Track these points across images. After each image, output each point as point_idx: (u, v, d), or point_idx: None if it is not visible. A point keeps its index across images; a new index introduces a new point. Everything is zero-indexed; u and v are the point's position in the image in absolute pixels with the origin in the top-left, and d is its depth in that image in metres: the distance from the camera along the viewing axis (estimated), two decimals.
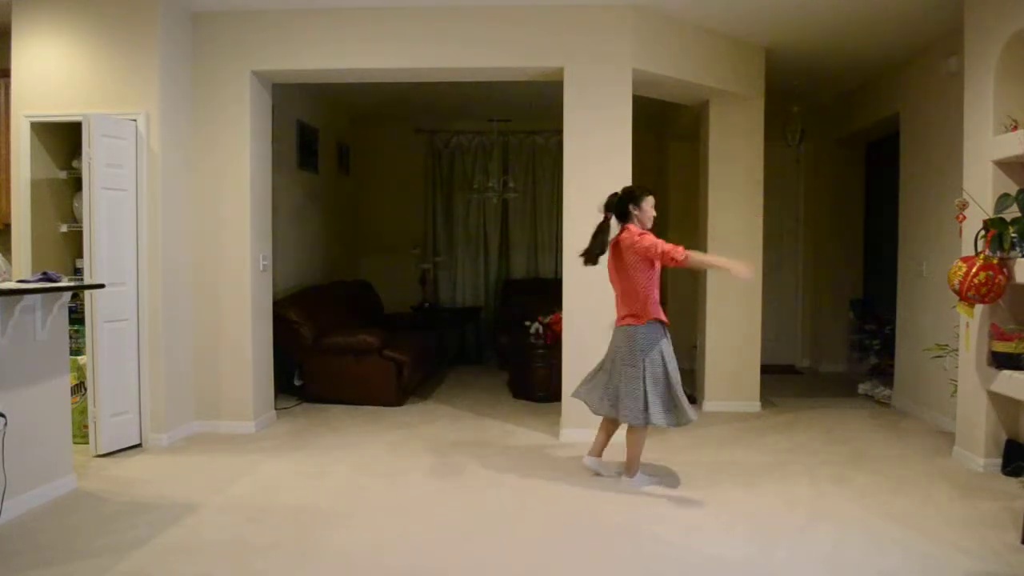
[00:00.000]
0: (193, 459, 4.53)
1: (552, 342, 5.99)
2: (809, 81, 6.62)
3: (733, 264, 3.82)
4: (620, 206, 4.03)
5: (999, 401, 4.19)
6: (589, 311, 4.87)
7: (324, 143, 7.49)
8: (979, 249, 4.00)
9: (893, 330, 6.21)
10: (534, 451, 4.76)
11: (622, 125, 4.96)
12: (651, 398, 3.87)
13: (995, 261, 3.89)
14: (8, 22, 4.75)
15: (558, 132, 5.33)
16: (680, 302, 7.48)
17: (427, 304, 8.33)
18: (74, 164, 4.98)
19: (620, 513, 3.66)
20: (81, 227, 4.52)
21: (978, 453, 4.29)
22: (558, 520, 3.58)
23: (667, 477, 4.20)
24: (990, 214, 4.03)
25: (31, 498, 3.59)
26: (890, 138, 6.41)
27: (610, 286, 4.12)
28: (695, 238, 6.25)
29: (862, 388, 6.50)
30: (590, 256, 4.04)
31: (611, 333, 4.12)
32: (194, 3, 4.92)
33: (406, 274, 8.62)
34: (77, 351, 4.63)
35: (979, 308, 4.16)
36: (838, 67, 6.20)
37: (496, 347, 7.75)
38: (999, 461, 4.22)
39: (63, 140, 4.99)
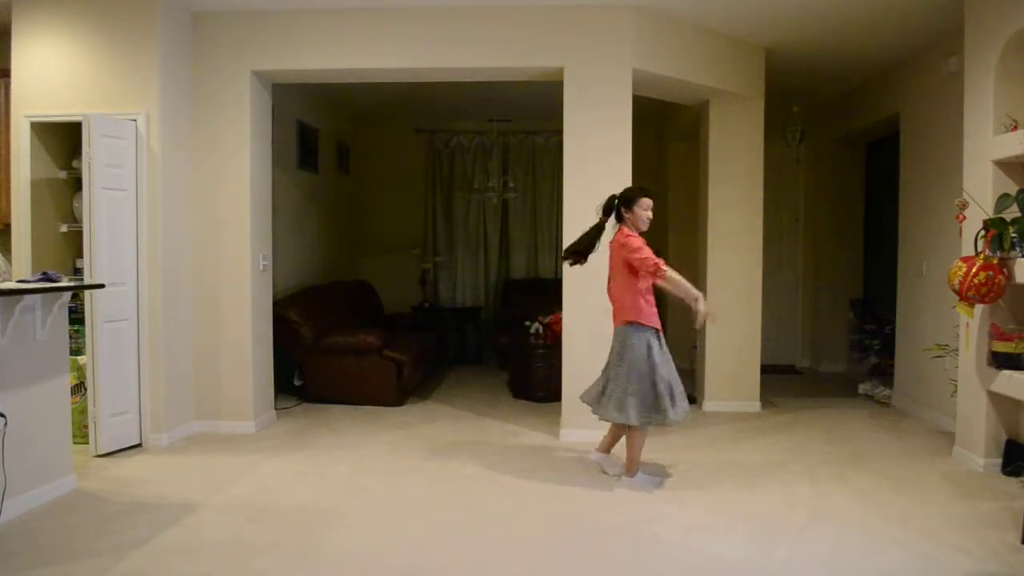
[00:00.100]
0: (193, 459, 4.53)
1: (552, 342, 5.98)
2: (809, 81, 6.62)
3: (699, 301, 3.88)
4: (615, 208, 4.05)
5: (999, 401, 4.19)
6: (589, 311, 4.86)
7: (324, 143, 7.50)
8: (979, 249, 4.00)
9: (893, 330, 6.21)
10: (534, 451, 4.76)
11: (622, 125, 4.96)
12: (629, 398, 3.90)
13: (995, 261, 3.89)
14: (8, 22, 4.75)
15: (558, 132, 5.33)
16: (680, 302, 7.48)
17: (427, 304, 8.33)
18: (74, 164, 4.98)
19: (620, 513, 3.66)
20: (81, 227, 4.52)
21: (978, 453, 4.29)
22: (558, 520, 3.58)
23: (667, 477, 4.20)
24: (990, 214, 4.03)
25: (31, 498, 3.59)
26: (890, 138, 6.41)
27: None
28: (695, 238, 6.26)
29: (862, 388, 6.50)
30: (574, 254, 4.09)
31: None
32: (194, 3, 4.92)
33: (406, 274, 8.62)
34: (77, 351, 4.63)
35: (979, 308, 4.16)
36: (838, 67, 6.20)
37: (496, 347, 7.74)
38: (999, 461, 4.22)
39: (63, 140, 4.99)
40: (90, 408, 4.48)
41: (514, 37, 4.98)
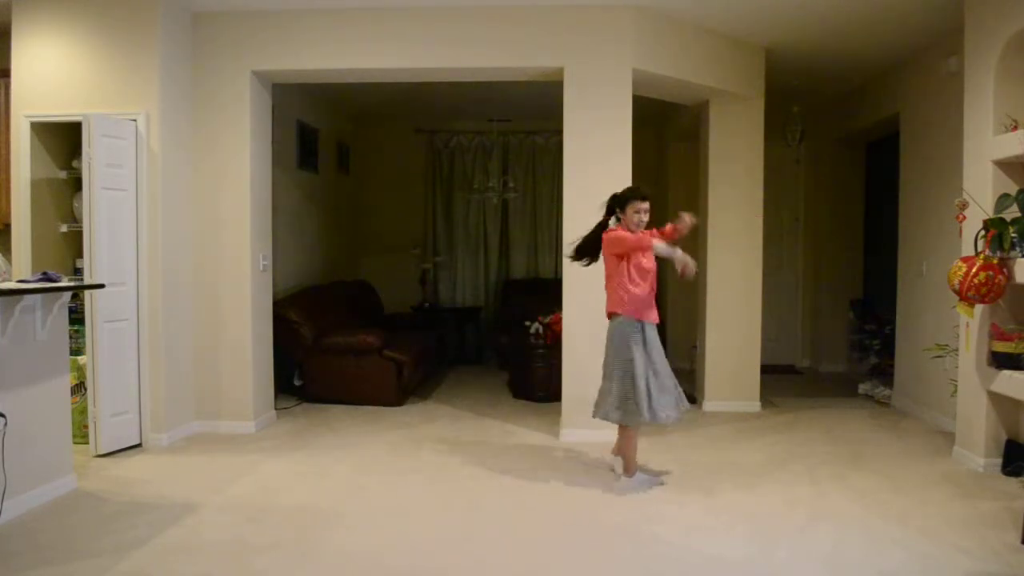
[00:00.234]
0: (193, 459, 4.53)
1: (552, 342, 5.98)
2: (809, 81, 6.62)
3: (682, 258, 3.85)
4: (609, 208, 4.08)
5: (999, 401, 4.19)
6: (589, 311, 4.86)
7: (324, 143, 7.50)
8: (979, 249, 4.00)
9: (893, 330, 6.21)
10: (534, 451, 4.76)
11: (622, 125, 4.96)
12: (608, 396, 3.94)
13: (995, 261, 3.89)
14: (8, 22, 4.75)
15: (558, 132, 5.33)
16: (680, 302, 7.49)
17: (427, 304, 8.33)
18: (74, 164, 4.98)
19: (620, 513, 3.66)
20: (81, 227, 4.52)
21: (978, 453, 4.29)
22: (558, 520, 3.58)
23: (667, 477, 4.20)
24: (990, 214, 4.03)
25: (31, 498, 3.59)
26: (890, 138, 6.41)
27: None
28: (695, 238, 6.25)
29: (862, 388, 6.50)
30: (580, 252, 4.14)
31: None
32: (194, 3, 4.92)
33: (406, 274, 8.62)
34: (77, 351, 4.63)
35: (979, 308, 4.15)
36: (838, 67, 6.20)
37: (496, 347, 7.75)
38: (999, 461, 4.22)
39: (63, 140, 4.99)
40: (90, 408, 4.48)
41: (514, 37, 4.98)
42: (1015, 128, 3.97)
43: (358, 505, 3.76)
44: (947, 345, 4.87)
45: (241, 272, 5.09)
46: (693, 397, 6.11)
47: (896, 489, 3.97)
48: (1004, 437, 4.23)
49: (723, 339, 5.87)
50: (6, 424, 3.37)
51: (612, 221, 4.07)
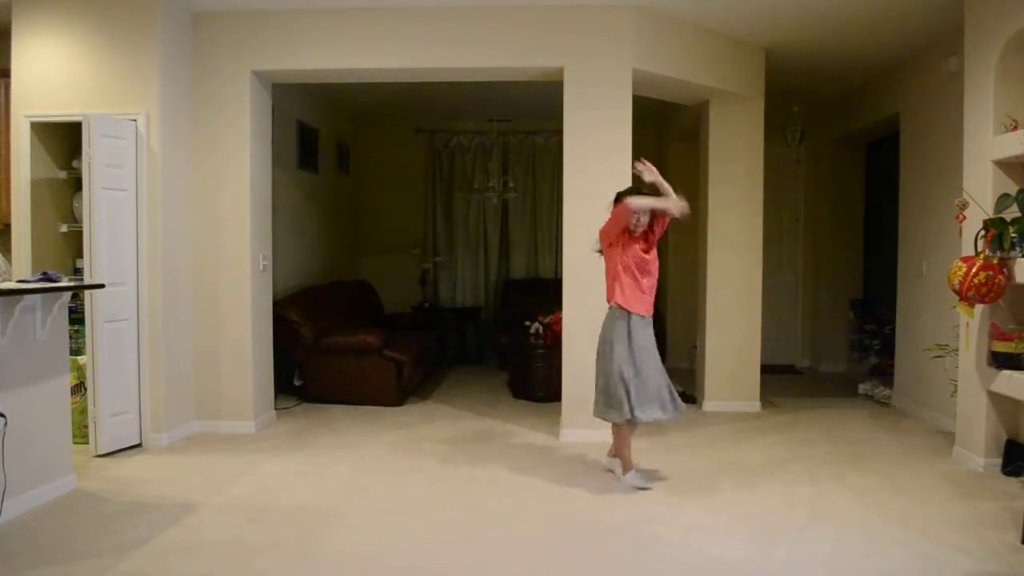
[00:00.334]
0: (193, 459, 4.53)
1: (552, 342, 5.98)
2: (809, 81, 6.62)
3: (669, 201, 3.88)
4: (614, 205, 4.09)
5: (999, 401, 4.19)
6: (589, 311, 4.85)
7: (324, 143, 7.49)
8: (979, 249, 4.00)
9: (893, 330, 6.21)
10: (534, 451, 4.76)
11: (622, 125, 4.96)
12: (596, 391, 4.00)
13: (995, 261, 3.89)
14: (8, 22, 4.75)
15: (558, 132, 5.33)
16: (680, 302, 7.49)
17: (427, 304, 8.33)
18: (74, 164, 4.98)
19: (620, 513, 3.66)
20: (81, 227, 4.52)
21: (978, 453, 4.29)
22: (558, 520, 3.58)
23: (668, 477, 4.20)
24: (990, 214, 4.03)
25: (31, 498, 3.59)
26: (890, 138, 6.41)
27: None
28: (695, 238, 6.26)
29: (862, 388, 6.50)
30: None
31: None
32: (194, 3, 4.92)
33: (406, 274, 8.62)
34: (77, 351, 4.63)
35: (979, 308, 4.15)
36: (838, 67, 6.20)
37: (496, 347, 7.75)
38: (999, 461, 4.22)
39: (63, 140, 4.99)
40: (90, 408, 4.48)
41: (514, 37, 4.98)
42: (1015, 128, 3.97)
43: (358, 505, 3.76)
44: (947, 345, 4.87)
45: (241, 272, 5.09)
46: (693, 397, 6.11)
47: (896, 489, 3.97)
48: (1004, 437, 4.23)
49: (723, 339, 5.87)
50: (6, 424, 3.37)
51: None
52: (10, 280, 3.83)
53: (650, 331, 4.01)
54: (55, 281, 3.65)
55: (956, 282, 3.94)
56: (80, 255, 4.77)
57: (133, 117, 4.68)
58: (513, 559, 3.14)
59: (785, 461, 4.50)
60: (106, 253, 4.47)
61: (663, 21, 5.13)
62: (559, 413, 5.13)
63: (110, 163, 4.51)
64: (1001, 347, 4.04)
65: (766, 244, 6.00)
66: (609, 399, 3.93)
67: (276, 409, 5.59)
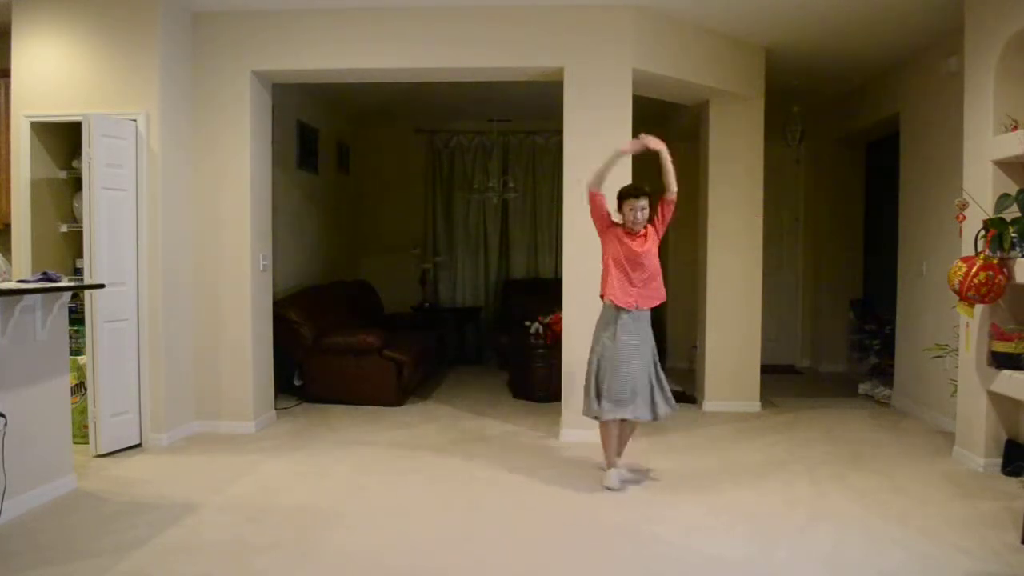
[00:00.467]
0: (193, 459, 4.53)
1: (552, 342, 5.98)
2: (809, 81, 6.62)
3: (617, 151, 3.97)
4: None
5: (999, 401, 4.19)
6: (589, 311, 4.84)
7: (324, 143, 7.49)
8: (979, 249, 4.00)
9: (893, 330, 6.21)
10: (534, 451, 4.76)
11: (622, 125, 4.96)
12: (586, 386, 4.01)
13: (995, 261, 3.89)
14: (8, 22, 4.75)
15: (558, 132, 5.33)
16: (680, 302, 7.48)
17: (427, 304, 8.33)
18: (74, 164, 4.98)
19: (620, 513, 3.66)
20: (81, 227, 4.52)
21: (978, 453, 4.29)
22: (558, 520, 3.58)
23: (667, 477, 4.20)
24: (990, 214, 4.03)
25: (31, 498, 3.59)
26: (890, 138, 6.41)
27: None
28: (695, 238, 6.26)
29: (862, 388, 6.50)
30: None
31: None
32: (194, 3, 4.92)
33: (406, 274, 8.62)
34: (77, 351, 4.63)
35: (979, 308, 4.15)
36: (838, 67, 6.20)
37: (496, 347, 7.75)
38: (999, 461, 4.22)
39: (63, 140, 4.99)
40: (90, 408, 4.48)
41: (514, 37, 4.98)
42: (1015, 128, 3.97)
43: (358, 505, 3.76)
44: (947, 345, 4.87)
45: (241, 272, 5.09)
46: (693, 397, 6.12)
47: (896, 489, 3.97)
48: (1004, 437, 4.23)
49: (723, 339, 5.87)
50: (6, 424, 3.37)
51: (617, 217, 4.08)
52: (10, 280, 3.83)
53: (642, 326, 3.95)
54: (55, 281, 3.65)
55: (956, 282, 3.94)
56: (80, 255, 4.77)
57: (133, 117, 4.68)
58: (513, 559, 3.14)
59: (785, 461, 4.50)
60: (106, 253, 4.47)
61: (663, 21, 5.13)
62: (559, 413, 5.13)
63: (110, 163, 4.51)
64: (1001, 347, 4.04)
65: (766, 244, 6.00)
66: (585, 394, 3.99)
67: (276, 409, 5.58)
